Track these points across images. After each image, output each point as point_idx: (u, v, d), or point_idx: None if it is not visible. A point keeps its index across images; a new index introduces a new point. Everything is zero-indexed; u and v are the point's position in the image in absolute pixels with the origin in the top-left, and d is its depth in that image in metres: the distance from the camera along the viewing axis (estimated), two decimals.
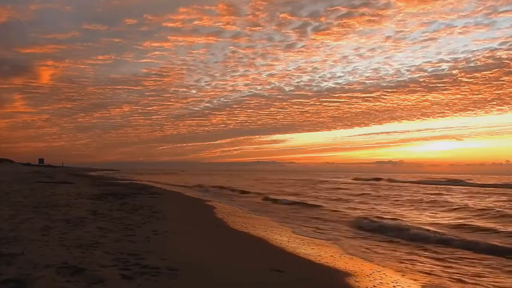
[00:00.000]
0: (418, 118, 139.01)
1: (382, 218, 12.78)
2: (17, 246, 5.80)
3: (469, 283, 5.87)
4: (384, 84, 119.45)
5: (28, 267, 4.73)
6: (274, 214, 14.02)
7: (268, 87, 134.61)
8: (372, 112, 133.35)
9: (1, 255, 5.19)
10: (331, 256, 7.24)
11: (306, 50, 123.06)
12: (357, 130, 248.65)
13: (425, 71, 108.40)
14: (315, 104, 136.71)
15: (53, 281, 4.28)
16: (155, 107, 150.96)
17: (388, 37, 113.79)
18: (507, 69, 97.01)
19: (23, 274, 4.42)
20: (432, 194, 26.39)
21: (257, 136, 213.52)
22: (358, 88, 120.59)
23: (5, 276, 4.31)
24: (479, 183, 44.67)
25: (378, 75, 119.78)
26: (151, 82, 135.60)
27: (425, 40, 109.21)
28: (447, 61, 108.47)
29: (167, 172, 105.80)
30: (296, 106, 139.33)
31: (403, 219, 12.84)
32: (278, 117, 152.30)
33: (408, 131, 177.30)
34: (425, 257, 7.64)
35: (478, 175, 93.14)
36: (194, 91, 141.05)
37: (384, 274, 6.08)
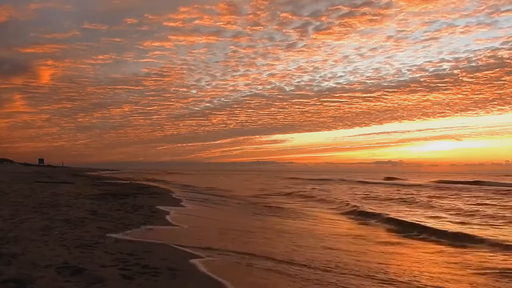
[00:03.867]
0: (419, 118, 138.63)
1: None
2: (17, 246, 5.80)
3: None
4: (385, 84, 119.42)
5: (28, 267, 4.73)
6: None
7: (269, 87, 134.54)
8: (372, 112, 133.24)
9: (1, 255, 5.19)
10: None
11: (307, 50, 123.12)
12: (357, 130, 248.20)
13: (426, 70, 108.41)
14: (316, 104, 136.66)
15: (53, 281, 4.28)
16: (155, 107, 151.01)
17: (389, 37, 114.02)
18: (509, 69, 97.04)
19: (23, 274, 4.42)
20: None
21: (257, 136, 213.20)
22: (359, 88, 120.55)
23: (5, 276, 4.31)
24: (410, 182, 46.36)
25: (379, 75, 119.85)
26: (152, 82, 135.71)
27: (426, 40, 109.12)
28: (449, 61, 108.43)
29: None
30: (297, 106, 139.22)
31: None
32: (278, 117, 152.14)
33: (409, 131, 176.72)
34: None
35: (477, 175, 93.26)
36: (194, 91, 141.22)
37: None
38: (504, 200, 20.86)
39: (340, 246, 8.47)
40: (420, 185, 37.87)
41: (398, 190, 30.78)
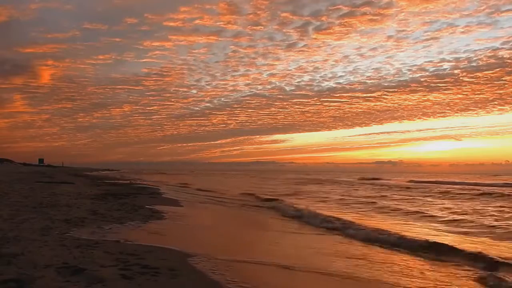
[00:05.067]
0: (419, 118, 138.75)
1: None
2: (17, 246, 5.80)
3: None
4: (385, 84, 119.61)
5: (28, 267, 4.73)
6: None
7: (269, 86, 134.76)
8: (373, 112, 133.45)
9: (1, 255, 5.19)
10: None
11: (307, 50, 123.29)
12: (357, 130, 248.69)
13: (426, 70, 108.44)
14: (316, 104, 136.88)
15: (53, 281, 4.28)
16: (155, 107, 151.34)
17: (389, 37, 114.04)
18: (509, 69, 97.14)
19: (23, 274, 4.42)
20: None
21: (257, 136, 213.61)
22: (359, 88, 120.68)
23: (5, 276, 4.31)
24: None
25: (379, 74, 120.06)
26: (152, 81, 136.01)
27: (427, 40, 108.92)
28: (449, 61, 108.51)
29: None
30: (297, 106, 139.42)
31: None
32: (278, 117, 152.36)
33: (409, 131, 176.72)
34: None
35: (477, 175, 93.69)
36: (194, 91, 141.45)
37: None
38: (440, 199, 22.52)
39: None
40: (384, 185, 39.56)
41: (355, 189, 32.36)
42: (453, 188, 32.55)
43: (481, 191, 26.74)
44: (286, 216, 13.48)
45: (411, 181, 50.83)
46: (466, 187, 33.99)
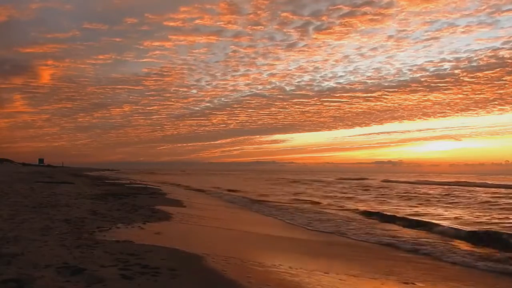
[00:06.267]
0: (419, 118, 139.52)
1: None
2: (17, 246, 5.80)
3: None
4: (386, 84, 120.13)
5: (28, 267, 4.73)
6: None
7: (269, 86, 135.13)
8: (373, 112, 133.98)
9: (1, 255, 5.19)
10: None
11: (307, 50, 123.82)
12: (358, 130, 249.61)
13: (427, 70, 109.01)
14: (316, 104, 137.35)
15: (53, 281, 4.27)
16: (155, 107, 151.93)
17: (390, 36, 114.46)
18: (510, 69, 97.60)
19: (23, 274, 4.41)
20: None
21: (258, 136, 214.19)
22: (360, 87, 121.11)
23: (5, 276, 4.31)
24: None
25: (379, 74, 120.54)
26: (152, 81, 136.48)
27: (427, 40, 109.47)
28: (449, 61, 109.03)
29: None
30: (297, 106, 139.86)
31: None
32: (278, 117, 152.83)
33: (409, 131, 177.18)
34: None
35: (477, 175, 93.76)
36: (194, 91, 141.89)
37: None
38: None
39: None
40: (352, 184, 41.82)
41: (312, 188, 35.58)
42: (413, 187, 35.41)
43: (434, 190, 29.14)
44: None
45: (385, 180, 53.54)
46: (426, 186, 36.72)
